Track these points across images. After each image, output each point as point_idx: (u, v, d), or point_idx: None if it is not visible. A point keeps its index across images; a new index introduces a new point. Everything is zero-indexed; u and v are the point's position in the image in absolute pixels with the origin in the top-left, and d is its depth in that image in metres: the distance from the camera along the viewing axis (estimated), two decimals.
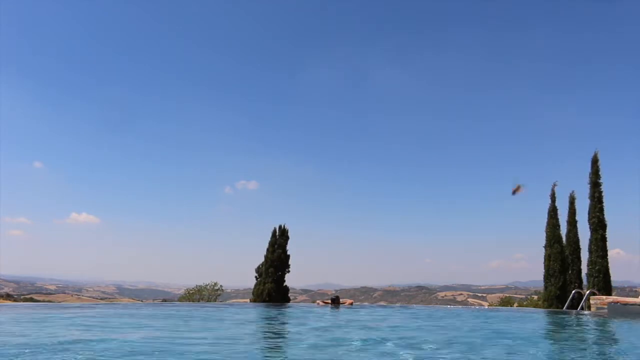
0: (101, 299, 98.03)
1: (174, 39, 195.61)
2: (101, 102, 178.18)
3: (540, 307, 17.46)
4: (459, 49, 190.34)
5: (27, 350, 5.30)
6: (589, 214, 15.59)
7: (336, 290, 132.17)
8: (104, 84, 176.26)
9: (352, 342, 6.86)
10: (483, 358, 5.90)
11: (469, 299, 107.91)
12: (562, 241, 16.13)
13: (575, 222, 16.19)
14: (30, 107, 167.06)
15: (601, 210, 15.47)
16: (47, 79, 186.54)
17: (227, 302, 26.92)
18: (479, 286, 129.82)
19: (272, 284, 17.71)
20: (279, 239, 18.22)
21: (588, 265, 15.31)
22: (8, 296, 56.17)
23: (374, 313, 14.05)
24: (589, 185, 15.75)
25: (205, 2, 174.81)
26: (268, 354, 6.03)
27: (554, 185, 16.77)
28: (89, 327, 8.51)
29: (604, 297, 13.39)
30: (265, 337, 8.01)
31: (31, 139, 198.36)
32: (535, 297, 25.55)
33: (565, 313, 13.93)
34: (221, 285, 23.85)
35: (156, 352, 5.62)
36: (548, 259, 16.12)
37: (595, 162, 15.87)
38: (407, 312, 15.03)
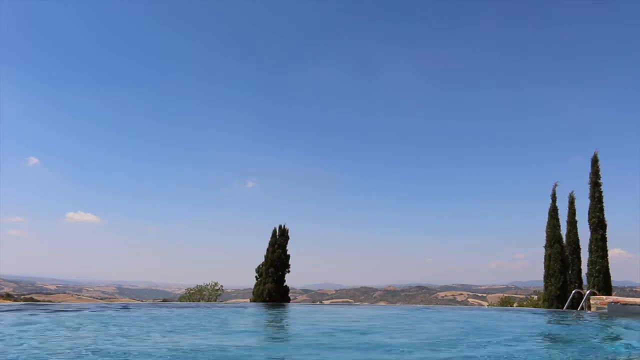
0: (101, 299, 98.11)
1: (174, 37, 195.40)
2: (101, 100, 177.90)
3: (540, 307, 17.46)
4: (459, 48, 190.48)
5: None
6: (589, 214, 15.62)
7: (336, 291, 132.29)
8: (103, 81, 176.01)
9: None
10: (482, 356, 5.90)
11: (469, 299, 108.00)
12: (563, 241, 16.15)
13: (575, 222, 16.22)
14: (29, 105, 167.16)
15: (601, 210, 15.49)
16: (46, 76, 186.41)
17: (227, 302, 26.93)
18: (479, 286, 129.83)
19: (272, 284, 17.71)
20: (279, 239, 18.23)
21: (588, 265, 15.33)
22: (8, 296, 56.23)
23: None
24: (589, 185, 15.78)
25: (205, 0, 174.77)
26: (263, 354, 6.03)
27: (555, 185, 16.81)
28: None
29: (604, 297, 13.39)
30: (261, 338, 8.01)
31: (29, 137, 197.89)
32: (535, 297, 25.55)
33: (565, 313, 13.92)
34: (221, 285, 23.93)
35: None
36: (548, 259, 16.13)
37: (595, 162, 15.90)
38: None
